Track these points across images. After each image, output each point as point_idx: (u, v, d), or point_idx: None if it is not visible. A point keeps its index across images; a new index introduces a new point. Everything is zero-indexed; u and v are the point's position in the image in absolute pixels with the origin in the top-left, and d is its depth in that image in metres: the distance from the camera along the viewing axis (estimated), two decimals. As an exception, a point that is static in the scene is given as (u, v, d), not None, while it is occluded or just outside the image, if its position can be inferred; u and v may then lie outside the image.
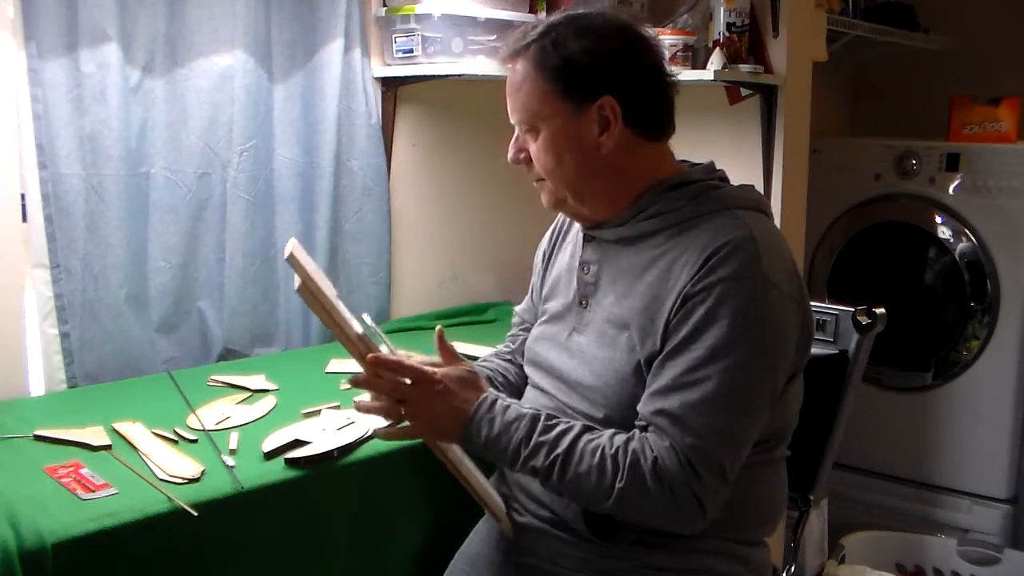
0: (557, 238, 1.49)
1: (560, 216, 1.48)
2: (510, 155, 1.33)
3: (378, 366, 1.20)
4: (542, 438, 1.20)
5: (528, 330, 1.49)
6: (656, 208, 1.26)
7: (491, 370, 1.49)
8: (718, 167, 1.34)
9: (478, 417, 1.22)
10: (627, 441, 1.18)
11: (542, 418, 1.21)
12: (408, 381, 1.22)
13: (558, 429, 1.20)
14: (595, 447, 1.18)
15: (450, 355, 1.32)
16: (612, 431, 1.20)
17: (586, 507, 1.24)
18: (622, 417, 1.23)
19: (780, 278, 1.19)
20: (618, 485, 1.15)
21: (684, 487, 1.14)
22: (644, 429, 1.19)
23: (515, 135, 1.32)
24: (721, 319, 1.15)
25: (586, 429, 1.21)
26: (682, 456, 1.14)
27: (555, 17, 1.28)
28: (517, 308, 1.59)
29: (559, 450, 1.18)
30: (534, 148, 1.28)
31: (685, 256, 1.21)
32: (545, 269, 1.48)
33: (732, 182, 1.33)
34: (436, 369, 1.24)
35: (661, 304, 1.21)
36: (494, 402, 1.23)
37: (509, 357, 1.54)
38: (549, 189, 1.31)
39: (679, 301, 1.18)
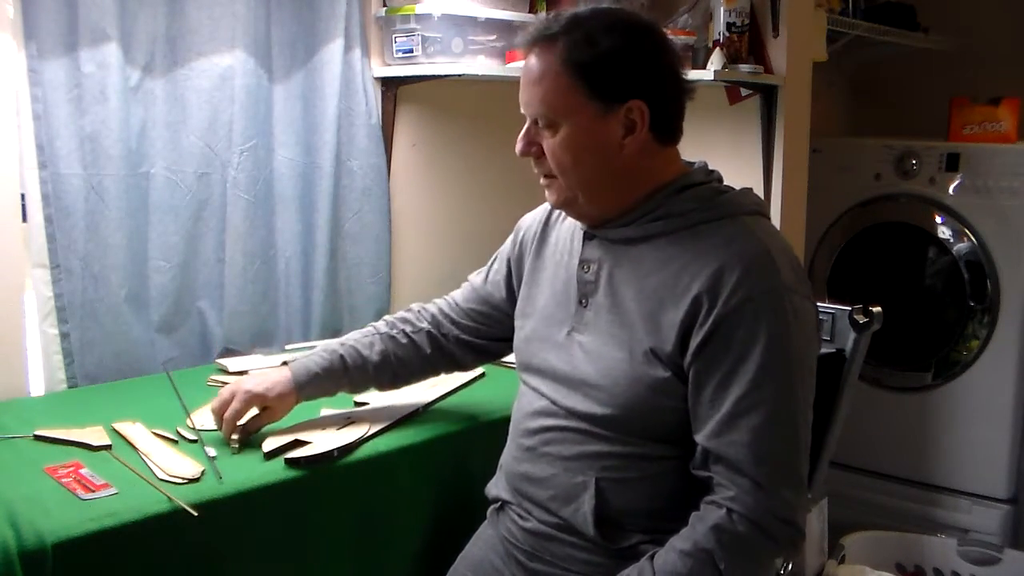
0: (542, 229, 1.45)
1: (543, 208, 1.46)
2: (519, 147, 1.27)
3: None
4: None
5: (479, 317, 1.53)
6: (663, 211, 1.25)
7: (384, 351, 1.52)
8: (718, 167, 1.33)
9: None
10: (692, 530, 1.16)
11: None
12: None
13: None
14: (677, 560, 1.15)
15: None
16: (671, 541, 1.18)
17: None
18: (625, 416, 1.22)
19: (797, 283, 1.20)
20: (722, 567, 1.14)
21: (771, 518, 1.14)
22: (705, 463, 1.19)
23: (526, 127, 1.27)
24: (761, 338, 1.14)
25: (648, 559, 1.18)
26: (760, 489, 1.14)
27: (580, 10, 1.23)
28: (475, 281, 1.58)
29: None
30: (550, 144, 1.23)
31: (695, 265, 1.19)
32: (523, 257, 1.45)
33: (729, 182, 1.32)
34: None
35: (669, 308, 1.20)
36: None
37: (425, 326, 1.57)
38: (559, 187, 1.27)
39: (707, 322, 1.16)
